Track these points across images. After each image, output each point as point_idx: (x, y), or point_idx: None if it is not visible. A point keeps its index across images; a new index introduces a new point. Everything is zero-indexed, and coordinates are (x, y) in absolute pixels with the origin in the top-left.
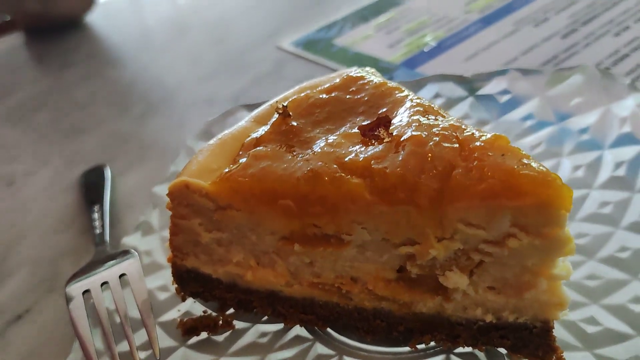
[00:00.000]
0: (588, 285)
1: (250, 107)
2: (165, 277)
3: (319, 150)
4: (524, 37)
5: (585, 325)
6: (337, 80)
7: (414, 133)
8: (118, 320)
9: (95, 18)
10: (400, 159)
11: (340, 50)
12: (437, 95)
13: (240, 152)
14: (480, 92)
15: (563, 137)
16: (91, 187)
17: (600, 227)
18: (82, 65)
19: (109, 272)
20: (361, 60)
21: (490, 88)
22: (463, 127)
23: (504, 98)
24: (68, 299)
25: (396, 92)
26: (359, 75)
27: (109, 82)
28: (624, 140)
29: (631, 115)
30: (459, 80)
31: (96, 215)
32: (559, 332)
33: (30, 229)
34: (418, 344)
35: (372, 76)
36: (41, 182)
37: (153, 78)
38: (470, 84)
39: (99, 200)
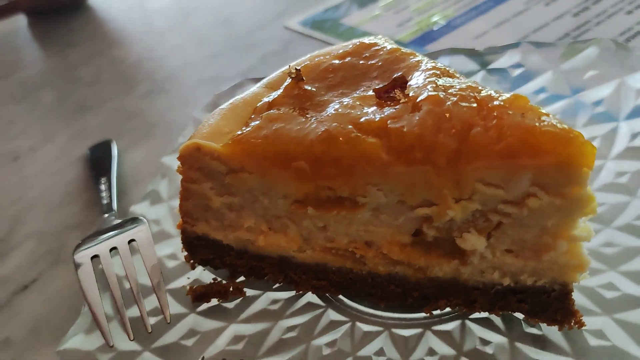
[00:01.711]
0: (605, 252)
1: (259, 80)
2: (174, 246)
3: (334, 112)
4: (535, 15)
5: (604, 290)
6: (350, 46)
7: (431, 93)
8: (127, 286)
9: (98, 0)
10: (417, 118)
11: (348, 30)
12: None
13: (253, 116)
14: (492, 65)
15: (577, 109)
16: (98, 161)
17: (616, 196)
18: (87, 46)
19: (118, 238)
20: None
21: (503, 62)
22: (480, 88)
23: (517, 72)
24: (76, 265)
25: (410, 57)
26: (372, 42)
27: (113, 62)
28: None
29: None
30: (471, 53)
31: (103, 187)
32: (577, 298)
33: (36, 202)
34: (433, 309)
35: (386, 43)
36: (47, 157)
37: (159, 58)
38: (482, 58)
39: (106, 173)
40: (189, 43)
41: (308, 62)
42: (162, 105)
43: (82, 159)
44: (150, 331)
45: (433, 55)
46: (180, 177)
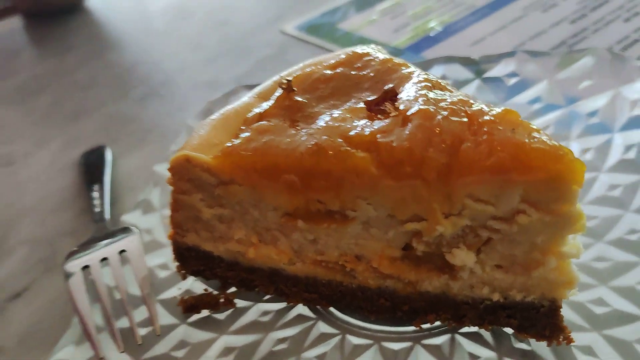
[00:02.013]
0: (596, 267)
1: (253, 87)
2: (165, 256)
3: (324, 125)
4: (532, 22)
5: (594, 306)
6: (342, 56)
7: (421, 107)
8: (117, 297)
9: (95, 2)
10: (407, 132)
11: (344, 35)
12: (443, 77)
13: (243, 127)
14: (488, 74)
15: (571, 120)
16: (91, 168)
17: (609, 210)
18: (83, 49)
19: (109, 248)
20: (366, 44)
21: (498, 70)
22: (472, 101)
23: (512, 81)
24: (67, 275)
25: (402, 68)
26: (364, 51)
27: (109, 66)
28: (635, 123)
29: None
30: (466, 62)
31: (96, 194)
32: (567, 313)
33: (29, 209)
34: (423, 323)
35: (378, 53)
36: (41, 163)
37: (154, 62)
38: (477, 66)
39: (99, 180)
40: (185, 47)
41: (299, 72)
42: (157, 111)
43: (76, 165)
44: (140, 342)
45: (428, 64)
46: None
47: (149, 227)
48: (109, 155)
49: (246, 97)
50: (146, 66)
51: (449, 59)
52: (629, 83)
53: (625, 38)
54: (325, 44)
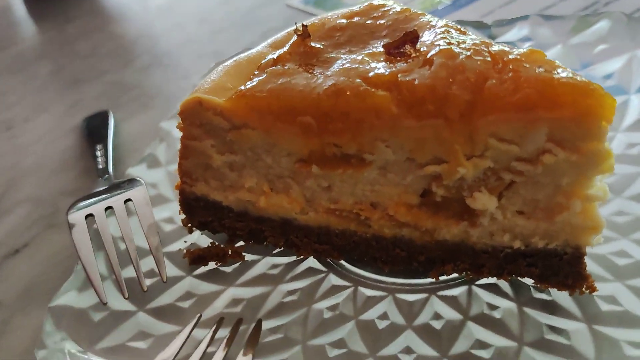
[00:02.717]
0: (617, 221)
1: None
2: (171, 210)
3: (341, 67)
4: None
5: (616, 258)
6: (358, 8)
7: (443, 47)
8: (122, 247)
9: None
10: (429, 71)
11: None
12: None
13: (257, 72)
14: (501, 39)
15: None
16: (94, 131)
17: (627, 167)
18: (84, 21)
19: (114, 197)
20: None
21: (511, 35)
22: (493, 43)
23: (526, 45)
24: (70, 224)
25: (420, 17)
26: (380, 3)
27: (111, 37)
28: None
29: None
30: (479, 26)
31: (99, 153)
32: (589, 265)
33: (30, 169)
34: (439, 274)
35: (395, 4)
36: (41, 127)
37: (158, 34)
38: (489, 31)
39: (102, 140)
40: (189, 20)
41: (315, 22)
42: (160, 78)
43: (78, 129)
44: (145, 290)
45: None
46: (178, 144)
47: (154, 181)
48: (111, 119)
49: (259, 47)
50: (150, 38)
51: (461, 23)
52: None
53: (637, 10)
54: None
